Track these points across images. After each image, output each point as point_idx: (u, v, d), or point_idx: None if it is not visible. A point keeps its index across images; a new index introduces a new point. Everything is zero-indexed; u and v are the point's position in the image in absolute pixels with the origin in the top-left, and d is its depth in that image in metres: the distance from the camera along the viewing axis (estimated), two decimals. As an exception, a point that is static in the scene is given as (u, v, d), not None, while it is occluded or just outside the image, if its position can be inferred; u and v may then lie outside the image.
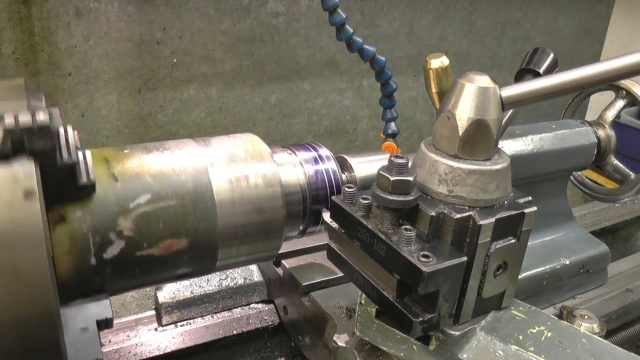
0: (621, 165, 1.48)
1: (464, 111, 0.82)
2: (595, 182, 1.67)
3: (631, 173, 1.49)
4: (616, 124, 1.49)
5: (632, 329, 1.51)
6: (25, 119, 0.64)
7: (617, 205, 2.05)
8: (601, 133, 1.45)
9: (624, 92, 1.48)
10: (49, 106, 0.80)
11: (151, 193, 0.85)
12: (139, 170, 0.86)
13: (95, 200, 0.80)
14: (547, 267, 1.32)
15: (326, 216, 0.91)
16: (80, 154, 0.77)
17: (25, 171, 0.65)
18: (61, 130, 0.71)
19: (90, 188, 0.78)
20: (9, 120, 0.63)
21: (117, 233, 0.81)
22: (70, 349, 0.76)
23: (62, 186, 0.75)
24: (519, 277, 1.24)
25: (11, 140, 0.64)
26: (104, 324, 0.84)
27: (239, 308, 1.36)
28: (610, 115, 1.48)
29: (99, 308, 0.84)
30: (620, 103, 1.49)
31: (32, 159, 0.66)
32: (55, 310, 0.67)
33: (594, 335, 0.87)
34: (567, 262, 1.36)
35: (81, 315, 0.82)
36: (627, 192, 1.51)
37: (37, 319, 0.66)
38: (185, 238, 0.88)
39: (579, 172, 1.65)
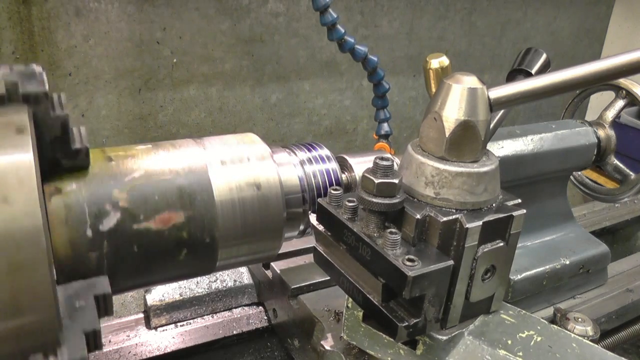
0: (621, 165, 1.47)
1: (451, 112, 0.81)
2: (595, 182, 1.66)
3: (631, 173, 1.47)
4: (616, 124, 1.48)
5: (632, 329, 1.50)
6: (19, 67, 0.70)
7: (617, 205, 2.04)
8: (601, 133, 1.43)
9: (624, 92, 1.47)
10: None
11: (145, 170, 0.86)
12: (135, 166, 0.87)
13: (90, 174, 0.82)
14: (547, 267, 1.31)
15: (312, 218, 0.90)
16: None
17: (18, 111, 0.67)
18: (55, 95, 0.74)
19: (84, 154, 0.79)
20: (4, 70, 0.68)
21: (113, 204, 0.81)
22: (65, 320, 0.75)
23: (57, 151, 0.76)
24: (519, 277, 1.26)
25: (5, 84, 0.67)
26: (103, 302, 0.82)
27: (239, 308, 1.35)
28: (610, 115, 1.47)
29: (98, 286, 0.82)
30: (620, 103, 1.48)
31: (24, 104, 0.68)
32: (51, 281, 0.66)
33: (584, 340, 0.86)
34: (567, 262, 1.34)
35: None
36: (627, 192, 1.50)
37: (32, 288, 0.64)
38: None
39: (579, 172, 1.64)
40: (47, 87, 0.71)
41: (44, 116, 0.72)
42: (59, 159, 0.78)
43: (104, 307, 0.77)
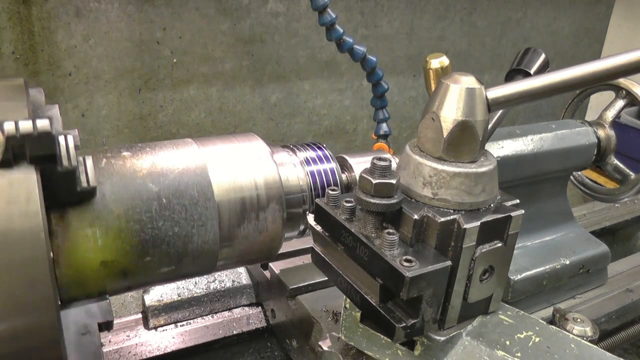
0: (621, 165, 1.47)
1: (449, 113, 0.80)
2: (595, 182, 1.66)
3: (631, 173, 1.47)
4: (616, 124, 1.47)
5: (632, 329, 1.50)
6: (25, 125, 0.64)
7: (617, 205, 2.03)
8: (601, 133, 1.43)
9: (624, 92, 1.47)
10: (48, 104, 0.82)
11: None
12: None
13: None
14: (547, 267, 1.31)
15: (310, 219, 0.90)
16: (80, 158, 0.77)
17: (26, 178, 0.65)
18: (61, 138, 0.72)
19: (91, 192, 0.79)
20: (9, 127, 0.63)
21: None
22: (70, 352, 0.77)
23: (63, 191, 0.76)
24: (519, 277, 1.26)
25: (12, 147, 0.64)
26: (105, 326, 0.85)
27: (239, 308, 1.35)
28: (610, 115, 1.47)
29: (100, 310, 0.84)
30: (620, 103, 1.48)
31: (32, 166, 0.66)
32: (55, 314, 0.67)
33: (583, 341, 0.85)
34: (567, 262, 1.34)
35: (82, 316, 0.83)
36: (627, 192, 1.49)
37: (37, 322, 0.66)
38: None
39: (579, 172, 1.64)
40: (55, 147, 0.69)
41: (52, 170, 0.71)
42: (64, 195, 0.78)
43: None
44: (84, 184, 0.77)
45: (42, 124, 0.65)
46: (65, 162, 0.71)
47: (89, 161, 0.78)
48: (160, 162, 0.89)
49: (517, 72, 1.20)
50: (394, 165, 1.01)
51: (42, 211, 0.65)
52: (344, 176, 1.12)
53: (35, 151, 0.66)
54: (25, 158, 0.66)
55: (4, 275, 0.63)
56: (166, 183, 0.87)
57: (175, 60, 2.67)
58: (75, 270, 0.80)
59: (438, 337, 0.83)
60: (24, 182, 0.65)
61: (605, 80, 1.00)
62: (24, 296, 0.64)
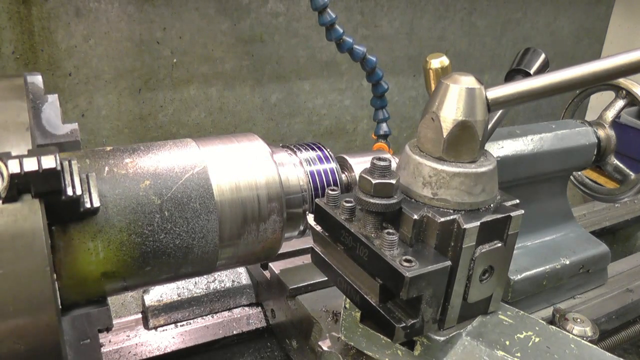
0: (621, 165, 1.47)
1: (449, 113, 0.80)
2: (595, 182, 1.66)
3: (631, 173, 1.47)
4: (616, 124, 1.48)
5: (632, 329, 1.50)
6: (30, 164, 0.64)
7: (617, 205, 2.03)
8: (601, 133, 1.43)
9: (624, 92, 1.47)
10: (47, 93, 0.82)
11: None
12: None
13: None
14: (547, 267, 1.31)
15: (310, 219, 0.90)
16: (84, 176, 0.77)
17: (30, 212, 0.66)
18: (66, 166, 0.72)
19: (94, 211, 0.79)
20: (13, 166, 0.63)
21: None
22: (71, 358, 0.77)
23: (66, 212, 0.76)
24: (519, 277, 1.26)
25: (17, 184, 0.64)
26: (104, 330, 0.85)
27: (239, 308, 1.35)
28: (610, 115, 1.47)
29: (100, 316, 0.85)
30: (620, 103, 1.48)
31: (37, 199, 0.66)
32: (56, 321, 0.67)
33: (582, 341, 0.85)
34: (567, 262, 1.35)
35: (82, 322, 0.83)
36: (627, 192, 1.49)
37: (38, 329, 0.67)
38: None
39: (579, 172, 1.64)
40: (60, 182, 0.69)
41: (56, 199, 0.71)
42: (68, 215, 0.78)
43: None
44: (88, 205, 0.77)
45: (48, 162, 0.65)
46: (70, 192, 0.72)
47: (92, 180, 0.78)
48: (163, 171, 0.89)
49: (517, 72, 1.20)
50: (393, 165, 1.01)
51: (47, 248, 0.66)
52: (344, 176, 1.12)
53: (40, 188, 0.66)
54: (30, 192, 0.66)
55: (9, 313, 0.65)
56: (169, 195, 0.86)
57: (175, 60, 2.67)
58: (76, 281, 0.81)
59: (438, 337, 0.83)
60: (29, 217, 0.65)
61: (605, 80, 1.00)
62: (26, 304, 0.65)
